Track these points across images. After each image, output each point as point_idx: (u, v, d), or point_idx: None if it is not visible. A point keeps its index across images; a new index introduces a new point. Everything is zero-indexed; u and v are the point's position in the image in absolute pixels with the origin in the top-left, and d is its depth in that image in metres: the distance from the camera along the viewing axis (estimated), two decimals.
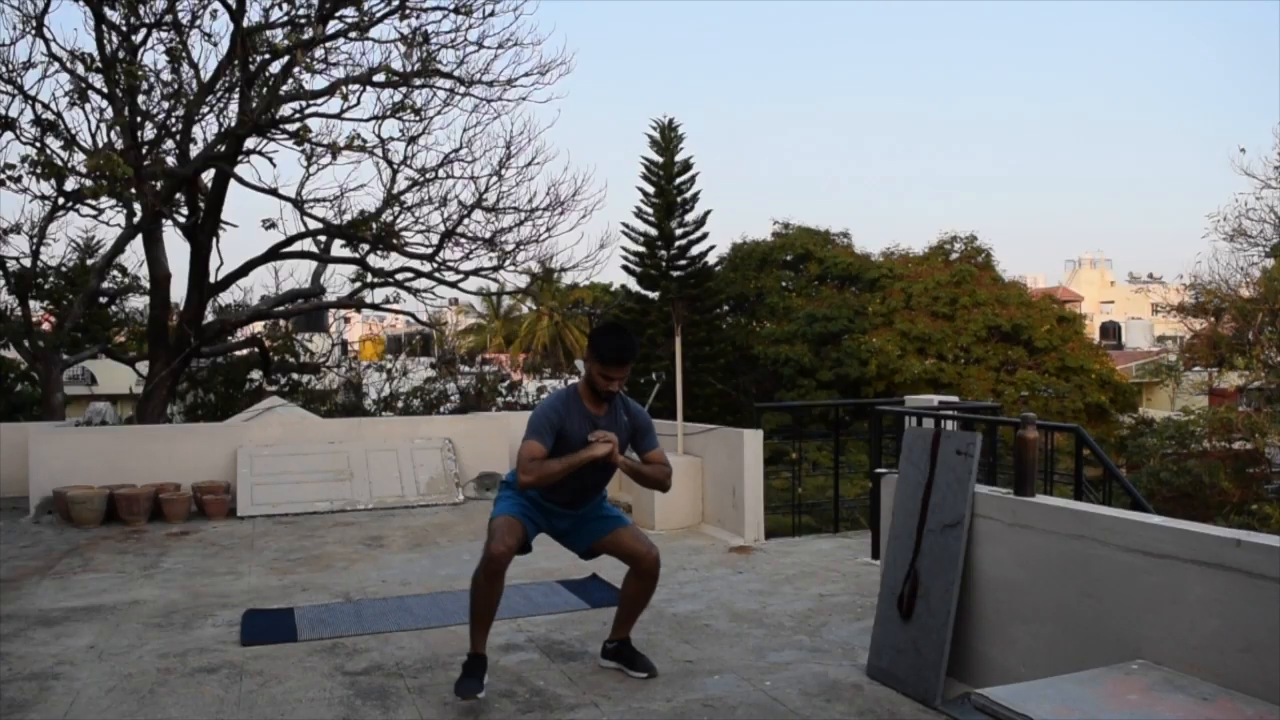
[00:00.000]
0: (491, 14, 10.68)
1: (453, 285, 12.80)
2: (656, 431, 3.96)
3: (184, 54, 10.48)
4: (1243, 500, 13.97)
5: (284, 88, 10.31)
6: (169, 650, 4.30)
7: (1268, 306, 16.52)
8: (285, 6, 10.15)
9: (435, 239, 12.10)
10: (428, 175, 11.72)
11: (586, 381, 3.76)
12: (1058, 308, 23.74)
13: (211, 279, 11.40)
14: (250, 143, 10.55)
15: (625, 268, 23.45)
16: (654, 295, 22.94)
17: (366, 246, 12.08)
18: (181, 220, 11.15)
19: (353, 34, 10.44)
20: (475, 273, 12.66)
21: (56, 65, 10.26)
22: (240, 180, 10.75)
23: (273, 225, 11.69)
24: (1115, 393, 21.42)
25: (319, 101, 10.61)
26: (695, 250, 23.16)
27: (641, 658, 3.93)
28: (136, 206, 11.12)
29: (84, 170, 9.93)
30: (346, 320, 21.67)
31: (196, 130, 10.68)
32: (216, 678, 3.93)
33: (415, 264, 12.37)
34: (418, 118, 11.13)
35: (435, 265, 12.33)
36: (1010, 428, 4.51)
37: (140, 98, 10.42)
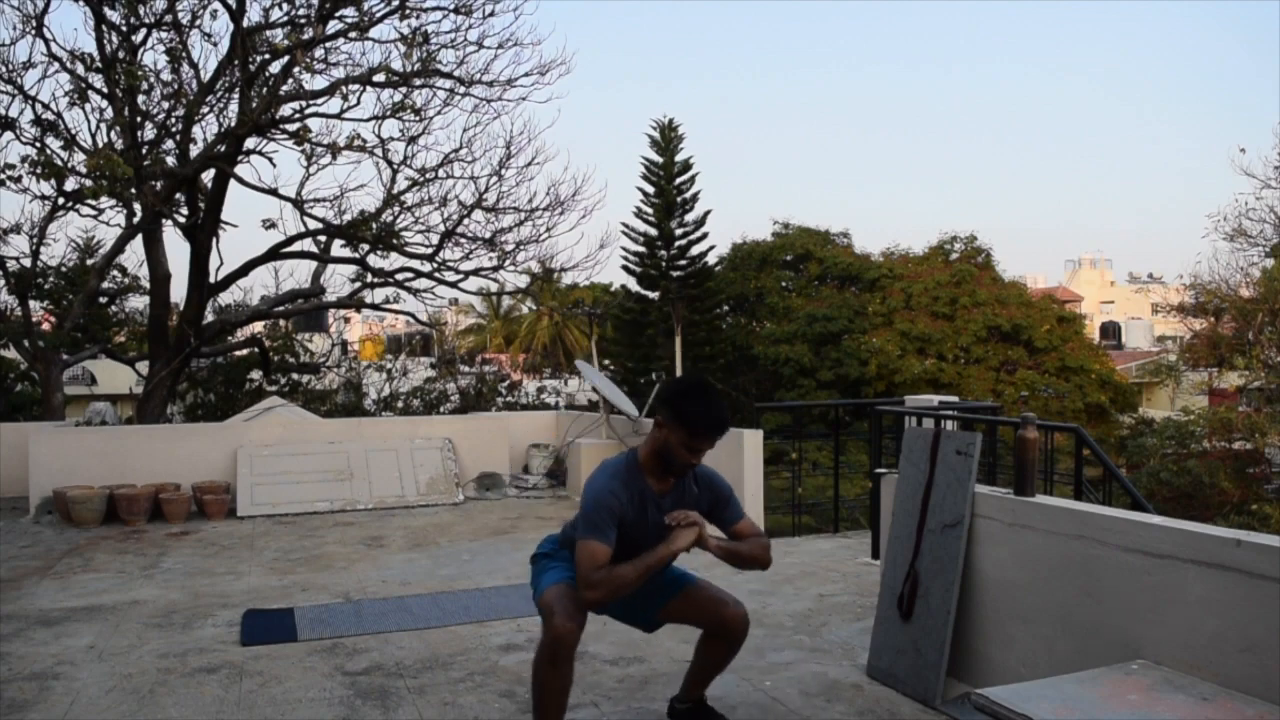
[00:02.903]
0: (491, 14, 10.71)
1: (453, 285, 12.82)
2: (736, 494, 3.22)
3: (184, 54, 10.50)
4: (1243, 500, 13.98)
5: (284, 88, 10.31)
6: (169, 650, 4.30)
7: (1268, 306, 16.52)
8: (285, 6, 10.18)
9: (435, 239, 12.12)
10: (428, 175, 11.74)
11: (655, 451, 2.99)
12: (1058, 308, 23.74)
13: (211, 279, 11.40)
14: (250, 143, 10.56)
15: (625, 268, 23.46)
16: (654, 295, 22.94)
17: (366, 246, 12.08)
18: (181, 220, 11.15)
19: (353, 34, 10.46)
20: (475, 273, 12.67)
21: (56, 65, 10.29)
22: (240, 180, 10.76)
23: (273, 225, 11.70)
24: (1115, 393, 21.42)
25: (319, 101, 10.62)
26: (695, 250, 23.16)
27: (721, 718, 3.33)
28: (136, 206, 11.13)
29: (84, 170, 9.93)
30: (346, 320, 21.64)
31: (196, 130, 10.70)
32: (216, 678, 3.93)
33: (415, 264, 12.39)
34: (418, 118, 11.15)
35: (435, 265, 12.34)
36: (1010, 428, 4.51)
37: (140, 98, 10.43)
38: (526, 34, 13.55)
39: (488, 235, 12.18)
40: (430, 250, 12.16)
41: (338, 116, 10.75)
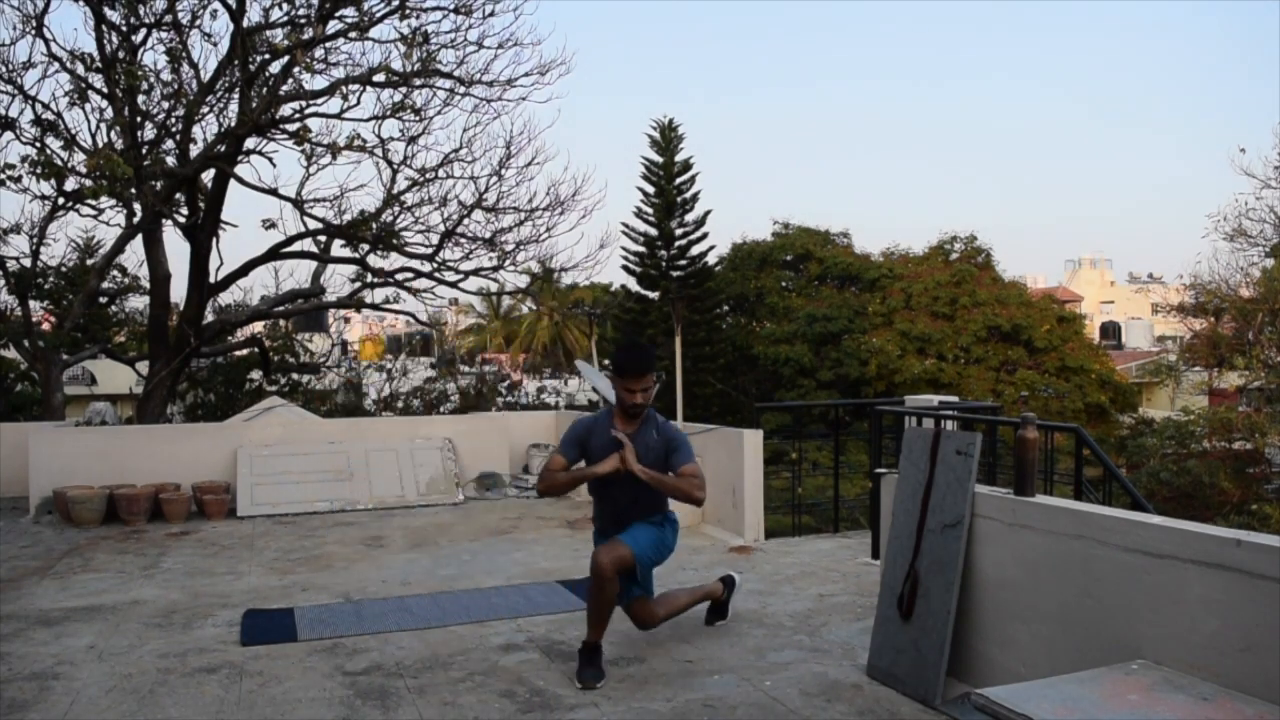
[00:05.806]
0: (491, 14, 10.71)
1: (453, 285, 12.81)
2: (692, 448, 4.07)
3: (184, 54, 10.49)
4: (1243, 500, 13.95)
5: (284, 88, 10.31)
6: (169, 650, 4.30)
7: (1268, 306, 16.49)
8: (285, 6, 10.18)
9: (435, 239, 12.11)
10: (428, 175, 11.73)
11: (617, 400, 4.01)
12: (1058, 308, 23.70)
13: (211, 279, 11.40)
14: (250, 143, 10.56)
15: (625, 268, 23.42)
16: (654, 295, 22.91)
17: (366, 246, 12.08)
18: (181, 220, 11.15)
19: (353, 34, 10.46)
20: (475, 273, 12.66)
21: (56, 65, 10.29)
22: (240, 180, 10.76)
23: (273, 225, 11.70)
24: (1115, 393, 21.39)
25: (319, 101, 10.62)
26: (695, 250, 23.13)
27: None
28: (136, 206, 11.12)
29: (84, 170, 9.93)
30: (346, 320, 21.68)
31: (196, 130, 10.70)
32: (216, 678, 3.93)
33: (415, 264, 12.38)
34: (418, 118, 11.14)
35: (435, 265, 12.33)
36: (1010, 428, 4.51)
37: (140, 98, 10.43)
38: (526, 34, 13.54)
39: (488, 235, 12.18)
40: (430, 250, 12.16)
41: (338, 116, 10.75)
